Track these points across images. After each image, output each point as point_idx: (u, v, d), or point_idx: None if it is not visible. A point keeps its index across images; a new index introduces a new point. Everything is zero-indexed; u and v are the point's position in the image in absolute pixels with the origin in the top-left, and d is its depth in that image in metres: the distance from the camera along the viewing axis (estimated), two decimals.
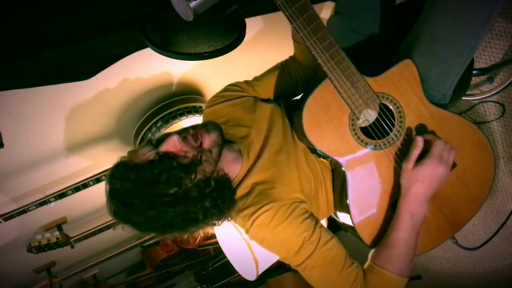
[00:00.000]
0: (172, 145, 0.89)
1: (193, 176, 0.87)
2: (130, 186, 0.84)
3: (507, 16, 1.40)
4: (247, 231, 0.96)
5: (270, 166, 0.99)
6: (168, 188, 0.84)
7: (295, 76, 1.18)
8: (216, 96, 1.15)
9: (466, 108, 1.70)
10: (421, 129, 0.98)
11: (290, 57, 1.21)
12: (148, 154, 0.88)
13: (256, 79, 1.18)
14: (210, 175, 0.91)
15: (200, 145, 0.92)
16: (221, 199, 0.90)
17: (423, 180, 0.90)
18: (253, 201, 0.94)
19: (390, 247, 0.92)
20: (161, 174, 0.84)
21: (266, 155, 1.01)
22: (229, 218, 0.96)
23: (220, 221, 0.94)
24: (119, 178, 0.86)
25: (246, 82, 1.17)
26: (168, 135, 0.91)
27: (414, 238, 0.92)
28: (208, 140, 0.93)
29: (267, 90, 1.16)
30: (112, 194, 0.88)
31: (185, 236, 0.94)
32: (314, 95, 0.92)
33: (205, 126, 0.96)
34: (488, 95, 1.54)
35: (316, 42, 0.87)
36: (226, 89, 1.15)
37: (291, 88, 1.18)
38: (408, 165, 0.91)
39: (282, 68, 1.18)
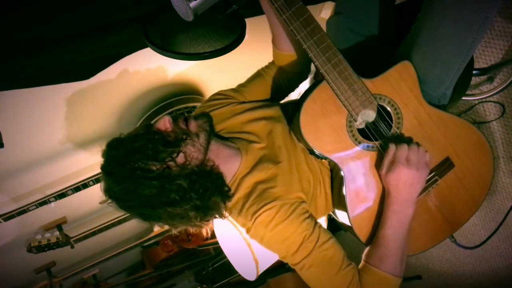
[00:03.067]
0: (162, 124, 0.92)
1: (174, 154, 0.88)
2: (113, 154, 0.88)
3: (507, 16, 1.40)
4: (248, 230, 0.96)
5: (271, 166, 0.99)
6: (146, 161, 0.86)
7: (278, 81, 1.17)
8: (203, 106, 1.14)
9: (466, 108, 1.70)
10: (419, 131, 0.98)
11: (270, 63, 1.21)
12: (138, 129, 0.92)
13: (242, 85, 1.18)
14: (198, 163, 0.92)
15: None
16: (201, 184, 0.89)
17: (397, 184, 0.92)
18: (255, 201, 0.95)
19: (379, 246, 0.94)
20: (141, 144, 0.86)
21: (267, 155, 1.01)
22: (222, 214, 0.95)
23: (207, 215, 0.92)
24: (107, 147, 0.91)
25: (233, 90, 1.16)
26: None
27: (402, 236, 0.94)
28: (194, 123, 0.94)
29: (254, 95, 1.16)
30: (101, 166, 0.91)
31: (174, 230, 0.95)
32: (312, 97, 0.92)
33: (194, 115, 0.99)
34: (488, 95, 1.54)
35: (313, 45, 0.88)
36: (212, 98, 1.15)
37: (275, 92, 1.18)
38: (381, 171, 0.94)
39: (264, 74, 1.18)
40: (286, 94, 1.23)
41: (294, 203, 0.94)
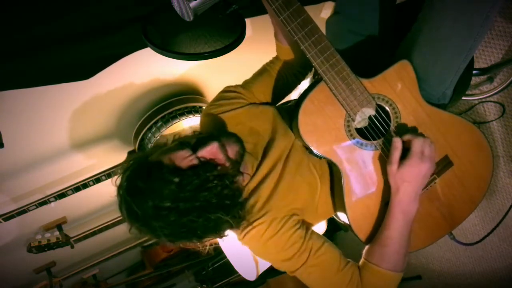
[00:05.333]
0: (211, 152, 0.89)
1: (233, 186, 0.90)
2: (174, 190, 0.83)
3: (507, 16, 1.40)
4: (239, 240, 0.98)
5: (270, 176, 0.99)
6: (210, 196, 0.85)
7: (284, 75, 1.17)
8: (213, 104, 1.12)
9: (466, 108, 1.70)
10: (417, 130, 0.98)
11: (274, 57, 1.21)
12: (190, 158, 0.87)
13: (249, 81, 1.17)
14: (239, 184, 0.94)
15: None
16: (245, 207, 0.94)
17: (410, 180, 0.91)
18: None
19: (383, 245, 0.93)
20: (207, 181, 0.85)
21: (265, 164, 1.01)
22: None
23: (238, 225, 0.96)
24: (162, 179, 0.83)
25: (241, 86, 1.15)
26: (208, 139, 0.91)
27: (406, 235, 0.94)
28: (232, 152, 0.93)
29: (262, 91, 1.15)
30: (147, 196, 0.83)
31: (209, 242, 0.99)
32: (310, 97, 0.92)
33: (228, 137, 0.95)
34: (488, 95, 1.54)
35: (311, 45, 0.88)
36: (224, 97, 1.12)
37: (282, 86, 1.18)
38: (392, 167, 0.92)
39: (270, 69, 1.17)
40: (293, 88, 1.22)
41: (284, 217, 0.95)
